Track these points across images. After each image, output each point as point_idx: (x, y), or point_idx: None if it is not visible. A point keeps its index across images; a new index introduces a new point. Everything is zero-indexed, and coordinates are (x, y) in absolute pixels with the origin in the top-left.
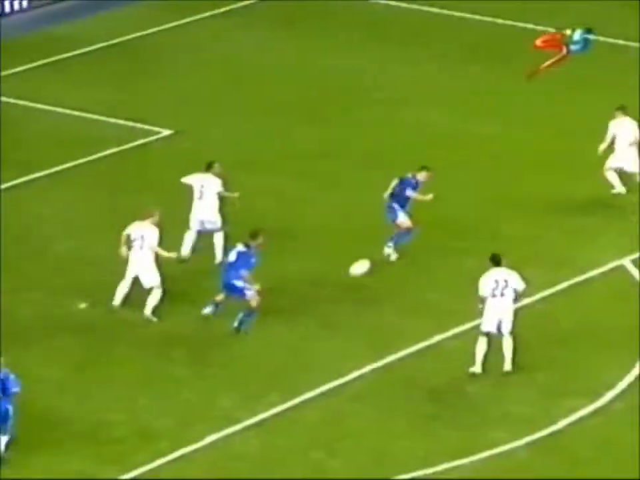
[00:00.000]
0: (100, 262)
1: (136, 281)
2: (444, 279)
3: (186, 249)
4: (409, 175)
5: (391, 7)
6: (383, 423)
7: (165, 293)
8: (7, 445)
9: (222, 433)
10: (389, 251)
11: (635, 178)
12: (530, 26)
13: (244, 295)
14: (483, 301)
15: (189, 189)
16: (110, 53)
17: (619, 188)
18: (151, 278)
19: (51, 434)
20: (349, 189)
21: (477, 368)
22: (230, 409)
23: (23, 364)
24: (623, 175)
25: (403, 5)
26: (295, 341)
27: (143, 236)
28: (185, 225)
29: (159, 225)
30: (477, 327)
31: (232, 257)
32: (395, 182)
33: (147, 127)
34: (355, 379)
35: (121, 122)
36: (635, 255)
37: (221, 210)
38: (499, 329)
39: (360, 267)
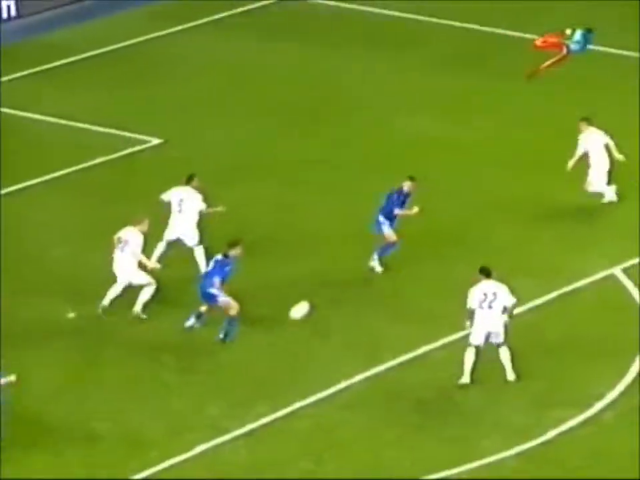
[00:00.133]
0: (94, 267)
1: (129, 286)
2: (434, 287)
3: (154, 260)
4: (395, 189)
5: (385, 16)
6: (373, 433)
7: (157, 291)
8: None
9: (211, 443)
10: (374, 264)
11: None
12: (517, 34)
13: (217, 302)
14: (471, 313)
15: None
16: (100, 61)
17: (610, 196)
18: (139, 278)
19: (41, 440)
20: (343, 195)
21: (465, 379)
22: (218, 417)
23: (18, 367)
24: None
25: (396, 13)
26: (284, 349)
27: (128, 240)
28: None
29: (145, 233)
30: (467, 336)
31: (209, 266)
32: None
33: (137, 135)
34: (344, 389)
35: (112, 130)
36: (627, 264)
37: (199, 225)
38: (487, 340)
39: (299, 310)
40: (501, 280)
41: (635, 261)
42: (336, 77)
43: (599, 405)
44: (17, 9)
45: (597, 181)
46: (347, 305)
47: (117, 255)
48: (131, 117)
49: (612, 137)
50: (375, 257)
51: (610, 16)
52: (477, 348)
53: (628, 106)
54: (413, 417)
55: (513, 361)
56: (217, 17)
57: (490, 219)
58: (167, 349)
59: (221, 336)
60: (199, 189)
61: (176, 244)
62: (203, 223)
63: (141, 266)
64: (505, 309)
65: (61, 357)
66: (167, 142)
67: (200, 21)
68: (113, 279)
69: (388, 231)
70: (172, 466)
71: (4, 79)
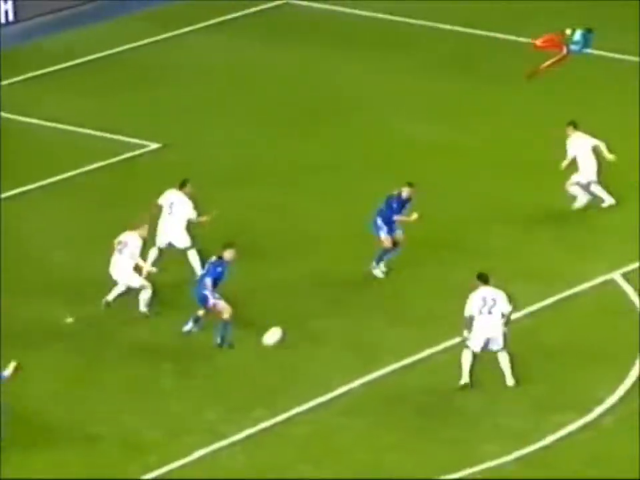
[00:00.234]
0: (94, 270)
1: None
2: (433, 290)
3: (148, 265)
4: (395, 193)
5: (384, 20)
6: (372, 437)
7: (153, 295)
8: None
9: (209, 448)
10: (375, 272)
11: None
12: (514, 37)
13: (207, 302)
14: (470, 320)
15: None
16: (100, 66)
17: (609, 200)
18: (134, 281)
19: (41, 440)
20: (342, 197)
21: (465, 379)
22: (215, 421)
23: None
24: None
25: (397, 17)
26: (283, 353)
27: (127, 243)
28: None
29: (145, 238)
30: (465, 340)
31: (204, 269)
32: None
33: (136, 139)
34: (343, 393)
35: (111, 135)
36: (626, 268)
37: (189, 229)
38: (485, 346)
39: (272, 336)
40: (500, 284)
41: (635, 265)
42: (335, 80)
43: (598, 410)
44: (15, 13)
45: (579, 186)
46: (346, 307)
47: (115, 257)
48: (130, 121)
49: (610, 138)
50: (374, 264)
51: (610, 16)
52: (474, 352)
53: (627, 106)
54: (412, 422)
55: (512, 365)
56: (215, 21)
57: (489, 222)
58: (165, 352)
59: (218, 341)
60: (190, 196)
61: (169, 249)
62: (192, 227)
63: (137, 269)
64: (502, 315)
65: (61, 359)
66: (166, 146)
67: (198, 25)
68: (111, 282)
69: (385, 236)
70: (170, 471)
71: (4, 83)
